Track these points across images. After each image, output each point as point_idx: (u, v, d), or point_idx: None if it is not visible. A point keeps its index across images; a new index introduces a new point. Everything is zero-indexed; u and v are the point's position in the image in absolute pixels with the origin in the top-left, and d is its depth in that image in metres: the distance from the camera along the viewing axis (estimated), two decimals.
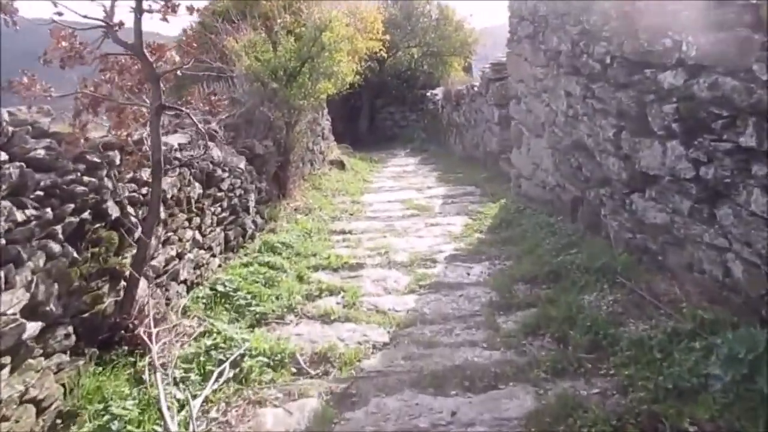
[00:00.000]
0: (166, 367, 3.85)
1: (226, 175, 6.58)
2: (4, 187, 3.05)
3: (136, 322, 4.03)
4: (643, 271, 4.91)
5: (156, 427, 3.38)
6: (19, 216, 3.12)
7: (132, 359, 3.96)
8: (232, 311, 5.07)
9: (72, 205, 3.60)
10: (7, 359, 2.98)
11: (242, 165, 7.19)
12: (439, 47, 22.93)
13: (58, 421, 3.35)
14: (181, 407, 3.57)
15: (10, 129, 3.23)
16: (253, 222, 7.43)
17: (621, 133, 5.24)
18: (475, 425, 3.41)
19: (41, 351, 3.31)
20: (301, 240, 7.46)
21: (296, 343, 4.62)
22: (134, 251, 4.23)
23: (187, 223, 5.44)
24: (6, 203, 3.05)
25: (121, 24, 4.13)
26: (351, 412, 3.66)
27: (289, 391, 3.89)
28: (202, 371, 4.00)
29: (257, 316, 5.06)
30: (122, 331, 3.95)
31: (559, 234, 6.38)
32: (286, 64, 8.92)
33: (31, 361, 3.20)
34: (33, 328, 3.18)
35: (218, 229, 6.27)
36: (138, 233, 4.23)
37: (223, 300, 5.19)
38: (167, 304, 4.77)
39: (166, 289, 4.87)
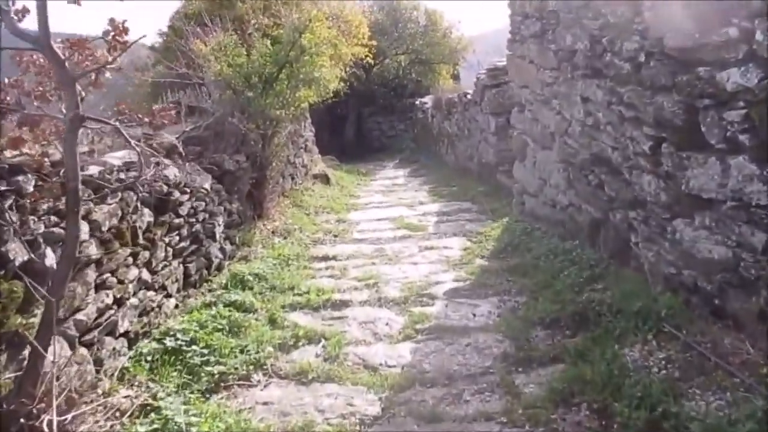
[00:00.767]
0: None
1: (186, 197, 5.58)
2: None
3: (42, 405, 3.00)
4: (695, 318, 3.96)
5: None
6: None
7: None
8: (184, 372, 4.03)
9: None
10: None
11: (207, 184, 6.18)
12: (427, 54, 22.09)
13: None
14: None
15: None
16: (221, 250, 6.42)
17: (660, 147, 4.30)
18: None
19: None
20: (277, 269, 6.45)
21: (263, 418, 3.61)
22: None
23: (131, 260, 4.42)
24: None
25: (25, 11, 3.15)
26: None
27: None
28: None
29: (215, 377, 4.03)
30: (22, 420, 2.93)
31: (578, 263, 5.43)
32: (261, 69, 7.95)
33: None
34: None
35: (175, 263, 5.26)
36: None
37: (173, 357, 4.15)
38: (98, 370, 3.74)
39: (98, 348, 3.84)
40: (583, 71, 5.57)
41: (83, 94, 3.33)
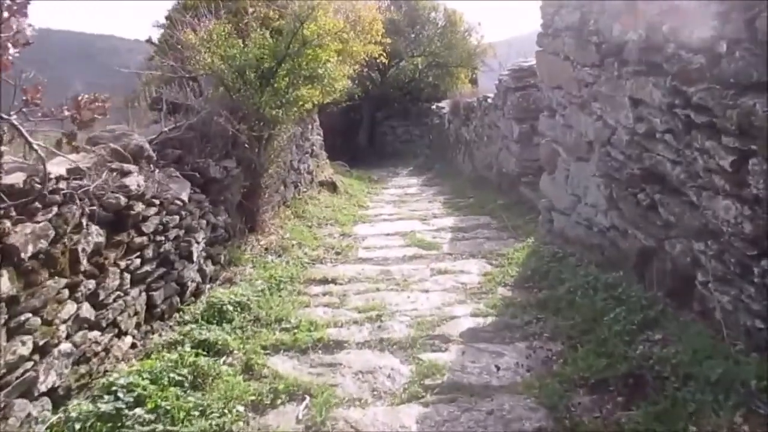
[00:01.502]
0: None
1: (154, 210, 4.66)
2: None
3: None
4: None
5: None
6: None
7: None
8: None
9: None
10: None
11: (185, 194, 5.26)
12: (445, 57, 21.11)
13: None
14: None
15: None
16: (200, 272, 5.49)
17: (747, 163, 3.31)
18: None
19: None
20: (264, 296, 5.50)
21: None
22: None
23: (66, 293, 3.50)
24: None
25: None
26: None
27: None
28: None
29: None
30: None
31: (626, 303, 4.40)
32: (257, 63, 7.04)
33: None
34: None
35: (135, 292, 4.33)
36: None
37: (108, 425, 3.20)
38: None
39: (5, 416, 2.92)
40: (635, 67, 4.58)
41: None
